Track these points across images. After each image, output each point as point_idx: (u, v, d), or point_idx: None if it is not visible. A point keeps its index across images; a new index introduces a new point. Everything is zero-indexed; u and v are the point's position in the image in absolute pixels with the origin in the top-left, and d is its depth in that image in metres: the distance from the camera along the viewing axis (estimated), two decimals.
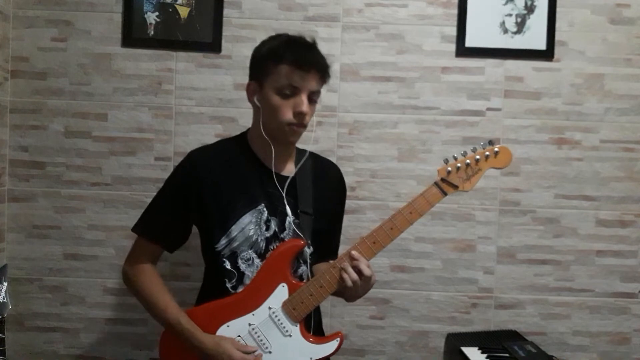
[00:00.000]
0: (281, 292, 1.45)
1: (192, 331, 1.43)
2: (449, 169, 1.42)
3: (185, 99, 2.04)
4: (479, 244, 2.05)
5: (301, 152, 1.58)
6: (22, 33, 2.03)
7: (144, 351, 2.05)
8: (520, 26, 2.03)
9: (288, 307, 1.44)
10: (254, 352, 1.42)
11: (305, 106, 1.43)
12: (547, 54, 2.03)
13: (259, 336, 1.45)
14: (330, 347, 1.45)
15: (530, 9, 2.03)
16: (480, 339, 1.89)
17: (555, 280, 2.06)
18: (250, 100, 1.51)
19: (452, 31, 2.04)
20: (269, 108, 1.46)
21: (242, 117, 2.04)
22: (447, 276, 2.05)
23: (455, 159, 1.43)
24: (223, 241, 1.48)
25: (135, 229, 1.55)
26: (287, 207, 1.49)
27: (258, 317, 1.45)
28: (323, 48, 2.01)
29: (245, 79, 2.00)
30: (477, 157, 1.42)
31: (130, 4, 2.01)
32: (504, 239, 2.06)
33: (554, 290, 2.06)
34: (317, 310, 1.57)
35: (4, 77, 2.01)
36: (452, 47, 2.04)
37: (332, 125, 2.05)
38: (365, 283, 1.42)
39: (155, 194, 2.05)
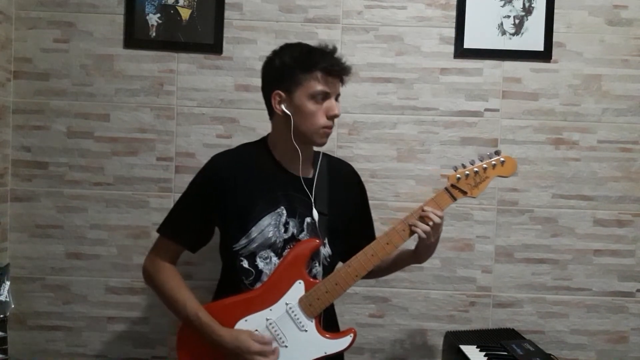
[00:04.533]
0: (298, 289, 1.50)
1: (211, 325, 1.46)
2: (459, 176, 1.51)
3: (187, 99, 2.06)
4: (477, 243, 2.07)
5: (316, 154, 1.62)
6: (24, 34, 2.05)
7: (146, 350, 2.07)
8: (518, 28, 2.05)
9: (304, 303, 1.49)
10: (270, 343, 1.47)
11: (338, 109, 1.51)
12: (544, 55, 2.05)
13: (275, 330, 1.49)
14: (344, 342, 1.50)
15: (528, 10, 2.04)
16: (479, 338, 1.90)
17: (553, 279, 2.07)
18: (277, 109, 1.53)
19: (451, 33, 2.06)
20: (304, 114, 1.49)
21: (243, 118, 2.06)
22: (446, 275, 2.07)
23: (464, 167, 1.52)
24: (242, 241, 1.52)
25: (160, 229, 1.59)
26: (305, 209, 1.54)
27: (275, 312, 1.49)
28: None
29: (245, 79, 2.06)
30: (485, 165, 1.52)
31: (132, 6, 2.03)
32: (502, 238, 2.07)
33: (552, 289, 2.07)
34: (332, 308, 1.63)
35: (7, 78, 2.02)
36: (451, 48, 2.06)
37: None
38: (435, 232, 1.50)
39: (155, 193, 2.08)
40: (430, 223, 1.48)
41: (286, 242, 1.53)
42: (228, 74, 2.06)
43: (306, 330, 1.49)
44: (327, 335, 1.50)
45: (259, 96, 2.05)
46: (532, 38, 2.04)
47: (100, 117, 2.06)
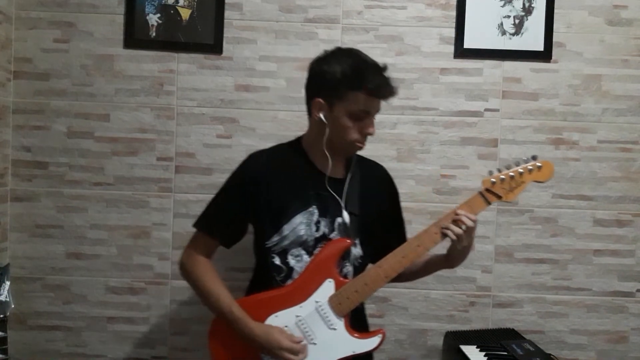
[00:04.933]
0: (328, 287, 1.51)
1: (243, 319, 1.49)
2: (493, 180, 1.51)
3: (187, 99, 2.06)
4: (477, 243, 2.06)
5: (349, 156, 1.63)
6: (24, 34, 2.05)
7: (146, 350, 2.07)
8: (518, 28, 2.05)
9: (334, 302, 1.50)
10: (300, 341, 1.48)
11: (373, 129, 1.53)
12: (544, 55, 2.05)
13: (305, 327, 1.50)
14: (372, 342, 1.51)
15: (528, 10, 2.04)
16: (479, 337, 1.90)
17: (553, 279, 2.07)
18: (315, 115, 1.53)
19: (451, 33, 2.06)
20: (338, 128, 1.51)
21: (244, 118, 2.06)
22: (446, 275, 2.06)
23: (499, 171, 1.51)
24: (275, 239, 1.54)
25: (196, 224, 1.62)
26: (337, 209, 1.55)
27: (305, 309, 1.51)
28: (323, 49, 2.05)
29: (245, 79, 2.06)
30: (521, 170, 1.50)
31: (132, 6, 2.03)
32: (502, 238, 2.07)
33: (552, 289, 2.07)
34: (362, 309, 1.64)
35: (7, 78, 2.02)
36: (451, 48, 2.06)
37: None
38: (468, 236, 1.49)
39: (155, 193, 2.08)
40: (463, 227, 1.48)
41: (317, 240, 1.54)
42: (228, 74, 2.06)
43: (335, 329, 1.50)
44: (356, 335, 1.51)
45: (259, 96, 2.07)
46: (532, 38, 2.04)
47: (101, 117, 2.06)
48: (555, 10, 2.04)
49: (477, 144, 2.07)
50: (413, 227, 2.05)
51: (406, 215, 2.03)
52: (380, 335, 1.51)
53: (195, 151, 2.06)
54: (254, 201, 1.55)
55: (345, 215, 1.54)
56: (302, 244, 1.54)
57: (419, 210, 2.05)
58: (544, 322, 2.07)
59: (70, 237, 2.06)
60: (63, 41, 2.05)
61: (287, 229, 1.53)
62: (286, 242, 1.53)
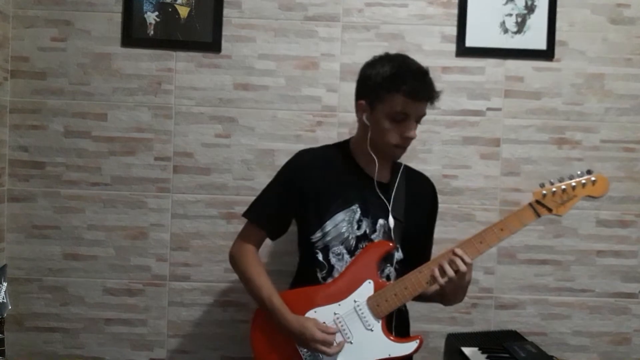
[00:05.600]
0: (367, 288, 1.52)
1: (281, 310, 1.52)
2: (544, 192, 1.47)
3: (185, 98, 2.04)
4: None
5: (397, 164, 1.67)
6: (22, 33, 2.03)
7: (144, 352, 2.05)
8: (521, 26, 2.03)
9: (372, 303, 1.51)
10: (335, 333, 1.49)
11: (413, 132, 1.52)
12: (547, 54, 2.03)
13: (342, 326, 1.51)
14: (409, 347, 1.50)
15: (530, 8, 2.03)
16: (481, 339, 1.89)
17: (556, 280, 2.06)
18: (359, 117, 1.58)
19: (453, 31, 2.04)
20: (378, 130, 1.53)
21: (242, 117, 2.04)
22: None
23: (552, 183, 1.48)
24: (318, 234, 1.57)
25: (245, 214, 1.65)
26: (380, 211, 1.57)
27: (343, 307, 1.52)
28: (323, 48, 2.04)
29: (244, 78, 2.04)
30: (574, 184, 1.47)
31: (130, 4, 2.01)
32: (504, 240, 2.05)
33: (554, 290, 2.06)
34: (405, 313, 1.66)
35: (4, 77, 2.01)
36: (453, 47, 2.04)
37: (333, 125, 2.05)
38: (459, 280, 1.46)
39: (153, 193, 2.06)
40: (454, 268, 1.45)
41: (358, 239, 1.57)
42: (227, 73, 2.04)
43: (372, 330, 1.50)
44: (393, 338, 1.51)
45: (258, 95, 2.05)
46: (535, 36, 2.02)
47: (98, 117, 2.04)
48: (558, 9, 2.02)
49: (479, 143, 2.05)
50: None
51: None
52: (418, 340, 1.50)
53: (193, 151, 2.04)
54: (300, 196, 1.59)
55: (391, 219, 1.56)
56: (343, 241, 1.56)
57: None
58: (547, 324, 2.05)
59: (68, 238, 2.04)
60: (60, 40, 2.03)
61: (329, 225, 1.56)
62: (328, 238, 1.56)
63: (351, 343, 1.50)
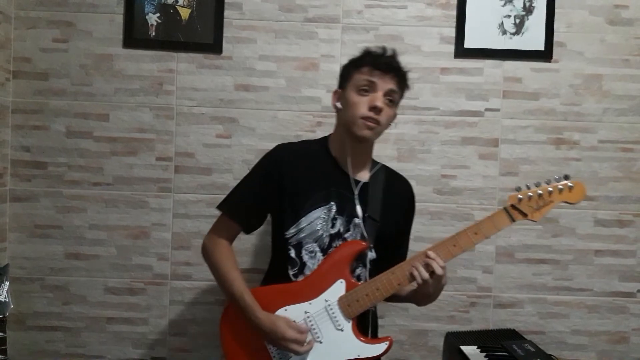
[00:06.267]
0: (339, 288, 1.51)
1: (252, 307, 1.51)
2: (520, 196, 1.45)
3: (186, 99, 2.06)
4: (477, 244, 2.06)
5: (376, 164, 1.67)
6: (24, 34, 2.04)
7: (145, 350, 2.06)
8: (519, 27, 2.04)
9: (343, 303, 1.50)
10: (306, 333, 1.49)
11: (379, 101, 1.51)
12: (545, 55, 2.04)
13: (312, 324, 1.50)
14: (378, 348, 1.50)
15: (528, 10, 2.04)
16: (479, 338, 1.90)
17: (554, 279, 2.07)
18: (334, 105, 1.61)
19: (451, 32, 2.05)
20: (348, 105, 1.55)
21: (243, 118, 2.05)
22: (447, 275, 2.05)
23: (528, 188, 1.45)
24: (292, 230, 1.56)
25: (220, 206, 1.64)
26: (356, 210, 1.56)
27: (314, 306, 1.51)
28: (323, 49, 2.05)
29: (245, 79, 2.06)
30: (550, 189, 1.44)
31: (131, 5, 2.02)
32: (502, 239, 2.07)
33: (553, 289, 2.07)
34: (375, 314, 1.63)
35: (6, 78, 2.02)
36: (451, 48, 2.05)
37: (332, 126, 2.05)
38: (436, 282, 1.46)
39: (155, 193, 2.07)
40: (429, 270, 1.45)
41: (332, 237, 1.56)
42: (228, 74, 2.05)
43: (342, 330, 1.50)
44: (362, 339, 1.50)
45: (258, 96, 2.06)
46: (533, 38, 2.03)
47: (100, 117, 2.05)
48: (556, 10, 2.04)
49: (477, 143, 2.06)
50: (413, 227, 2.04)
51: None
52: (387, 342, 1.50)
53: (194, 151, 2.06)
54: (278, 190, 1.58)
55: (359, 211, 1.55)
56: (317, 239, 1.56)
57: (419, 211, 2.03)
58: (545, 323, 2.07)
59: (70, 238, 2.06)
60: (62, 41, 2.04)
61: (304, 221, 1.55)
62: (302, 235, 1.55)
63: (321, 342, 1.49)
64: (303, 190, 1.57)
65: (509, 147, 2.06)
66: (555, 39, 2.04)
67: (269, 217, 1.66)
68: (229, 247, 1.63)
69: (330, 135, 1.67)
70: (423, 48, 2.06)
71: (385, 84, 1.53)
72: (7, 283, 1.48)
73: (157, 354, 2.07)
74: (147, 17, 2.02)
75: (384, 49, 1.59)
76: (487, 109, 2.06)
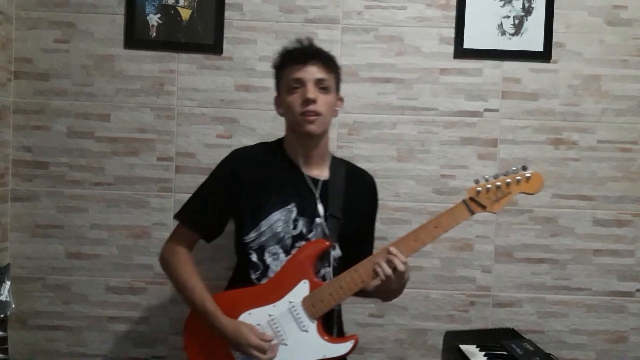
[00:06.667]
0: (302, 288, 1.51)
1: (215, 314, 1.49)
2: (479, 189, 1.45)
3: (187, 100, 2.06)
4: (476, 243, 2.07)
5: (337, 160, 1.66)
6: (25, 34, 2.05)
7: (147, 349, 2.07)
8: (518, 28, 2.05)
9: (307, 304, 1.50)
10: (270, 340, 1.48)
11: (310, 93, 1.52)
12: (544, 56, 2.05)
13: (276, 327, 1.50)
14: (343, 348, 1.50)
15: (527, 10, 2.05)
16: (478, 337, 1.90)
17: (553, 279, 2.07)
18: (278, 111, 1.64)
19: (451, 33, 2.06)
20: (286, 107, 1.57)
21: (244, 118, 2.06)
22: (446, 275, 2.07)
23: (487, 180, 1.46)
24: (252, 234, 1.55)
25: (177, 216, 1.64)
26: (317, 209, 1.56)
27: (278, 308, 1.50)
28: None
29: (246, 80, 2.06)
30: (508, 180, 1.44)
31: (132, 6, 2.03)
32: (501, 238, 2.07)
33: (552, 288, 2.08)
34: (339, 313, 1.64)
35: (7, 78, 2.03)
36: (451, 48, 2.06)
37: (332, 126, 2.03)
38: (398, 278, 1.47)
39: (156, 193, 2.08)
40: (393, 266, 1.46)
41: (294, 239, 1.55)
42: (228, 74, 2.06)
43: (307, 331, 1.49)
44: (327, 339, 1.50)
45: (259, 96, 2.07)
46: (532, 38, 2.04)
47: (101, 117, 2.06)
48: (555, 11, 2.04)
49: (476, 144, 2.07)
50: (413, 226, 2.04)
51: (406, 215, 2.04)
52: (353, 341, 1.50)
53: (195, 151, 2.06)
54: (235, 195, 1.56)
55: (321, 209, 1.54)
56: (279, 241, 1.54)
57: (418, 211, 2.06)
58: (544, 322, 2.07)
59: (71, 237, 2.06)
60: (63, 41, 2.05)
61: (264, 224, 1.54)
62: (263, 239, 1.54)
63: (286, 345, 1.49)
64: (261, 194, 1.56)
65: (508, 148, 2.07)
66: (554, 39, 2.05)
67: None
68: (188, 255, 1.60)
69: (284, 136, 1.67)
70: (422, 49, 2.06)
71: (310, 74, 1.53)
72: (8, 282, 1.49)
73: (158, 353, 2.08)
74: (148, 17, 2.03)
75: (298, 41, 1.61)
76: (486, 110, 2.07)
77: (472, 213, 1.47)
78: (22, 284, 2.05)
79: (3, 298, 1.49)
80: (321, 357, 1.49)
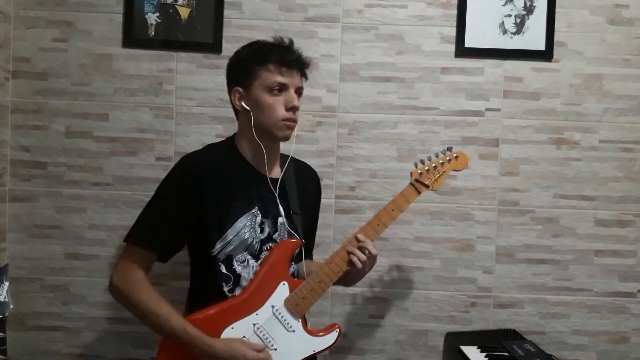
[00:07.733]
0: (282, 290, 1.50)
1: (200, 338, 1.41)
2: (420, 171, 1.62)
3: (186, 99, 2.05)
4: (478, 244, 2.06)
5: (284, 156, 1.64)
6: (23, 33, 2.04)
7: (145, 350, 2.06)
8: (520, 27, 2.04)
9: (291, 304, 1.50)
10: (263, 349, 1.46)
11: (296, 101, 1.52)
12: (546, 55, 2.04)
13: (264, 334, 1.48)
14: (330, 338, 1.53)
15: (529, 9, 2.04)
16: (479, 338, 1.90)
17: (554, 279, 2.07)
18: (237, 105, 1.56)
19: (452, 32, 2.05)
20: (262, 108, 1.51)
21: None
22: (447, 275, 2.06)
23: (423, 163, 1.63)
24: (218, 245, 1.48)
25: (128, 238, 1.51)
26: (279, 209, 1.55)
27: (262, 316, 1.48)
28: (323, 49, 2.05)
29: None
30: (441, 161, 1.64)
31: (131, 5, 2.02)
32: (503, 239, 2.06)
33: (553, 289, 2.07)
34: None
35: (5, 78, 2.02)
36: (452, 47, 2.05)
37: (332, 126, 2.05)
38: (371, 262, 1.55)
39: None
40: (366, 252, 1.52)
41: (262, 242, 1.53)
42: None
43: (294, 331, 1.50)
44: (313, 333, 1.51)
45: None
46: (534, 37, 2.03)
47: (99, 117, 2.05)
48: (557, 10, 2.03)
49: (478, 143, 2.06)
50: (414, 227, 2.05)
51: (406, 216, 2.03)
52: (337, 329, 1.53)
53: None
54: (196, 205, 1.47)
55: (282, 212, 1.54)
56: (247, 247, 1.50)
57: (418, 211, 2.05)
58: (545, 323, 2.06)
59: (69, 238, 2.05)
60: (61, 40, 2.04)
61: (231, 233, 1.48)
62: (230, 248, 1.49)
63: (276, 350, 1.47)
64: (224, 201, 1.48)
65: (510, 147, 2.06)
66: (555, 38, 2.04)
67: None
68: (147, 280, 1.47)
69: (234, 135, 1.62)
70: (423, 47, 2.05)
71: (295, 81, 1.53)
72: (6, 283, 1.48)
73: (156, 354, 2.06)
74: (146, 16, 2.02)
75: (284, 40, 1.56)
76: (487, 109, 2.06)
77: (419, 192, 1.61)
78: (20, 284, 2.04)
79: (1, 299, 1.47)
80: (311, 353, 1.50)
